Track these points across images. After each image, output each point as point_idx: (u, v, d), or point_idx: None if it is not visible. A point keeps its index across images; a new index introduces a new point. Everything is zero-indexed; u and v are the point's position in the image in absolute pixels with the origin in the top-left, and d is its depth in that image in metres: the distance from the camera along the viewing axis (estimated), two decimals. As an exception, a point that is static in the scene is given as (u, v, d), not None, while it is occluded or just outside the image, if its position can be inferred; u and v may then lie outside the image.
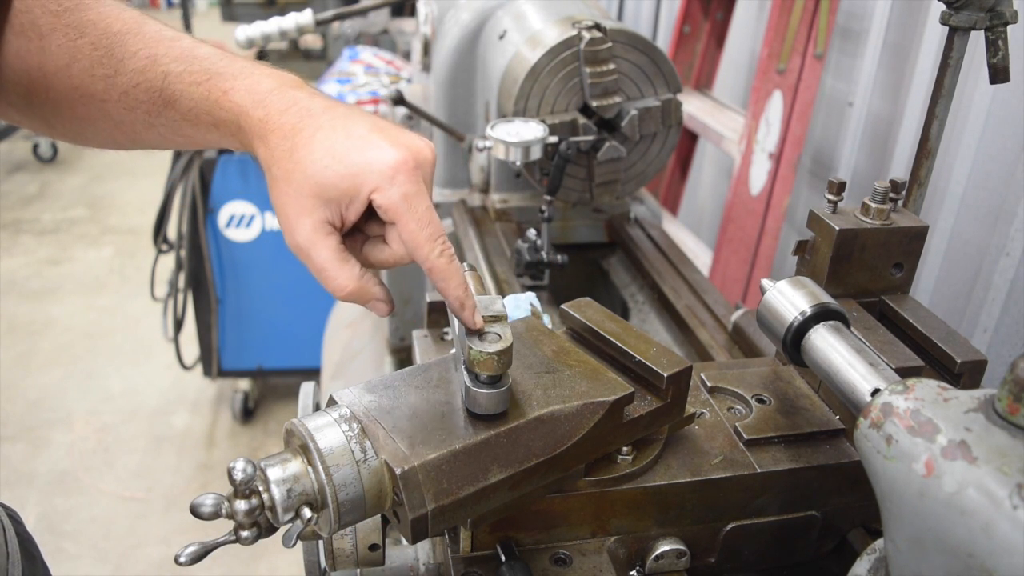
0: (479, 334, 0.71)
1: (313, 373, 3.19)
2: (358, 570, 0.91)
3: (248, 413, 3.69)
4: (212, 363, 3.52)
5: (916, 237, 0.96)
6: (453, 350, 0.79)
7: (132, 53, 0.80)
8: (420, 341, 1.09)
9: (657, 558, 0.84)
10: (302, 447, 0.68)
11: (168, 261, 3.43)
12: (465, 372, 0.72)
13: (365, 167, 0.71)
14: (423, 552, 0.97)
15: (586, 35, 1.47)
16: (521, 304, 1.07)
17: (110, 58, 0.80)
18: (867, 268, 0.96)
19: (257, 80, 0.77)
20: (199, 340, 3.52)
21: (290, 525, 0.66)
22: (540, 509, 0.79)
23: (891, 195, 0.95)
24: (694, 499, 0.83)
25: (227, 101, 0.77)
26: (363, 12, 2.33)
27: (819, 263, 0.97)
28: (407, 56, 4.58)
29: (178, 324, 3.45)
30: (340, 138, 0.72)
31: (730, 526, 0.85)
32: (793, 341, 0.81)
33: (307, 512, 0.65)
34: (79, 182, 6.30)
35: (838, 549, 0.91)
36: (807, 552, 0.90)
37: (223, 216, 3.31)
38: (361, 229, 0.78)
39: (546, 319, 1.06)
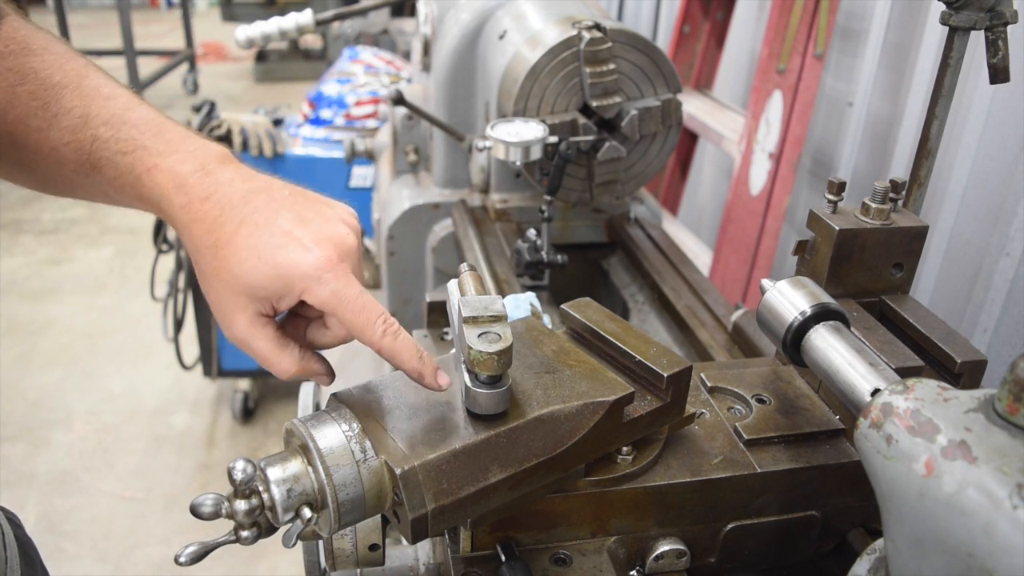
0: (480, 334, 0.71)
1: (313, 373, 3.18)
2: (358, 570, 0.91)
3: (248, 413, 3.69)
4: (212, 363, 3.52)
5: (916, 237, 0.96)
6: (453, 350, 0.79)
7: (67, 110, 0.78)
8: (420, 341, 1.09)
9: (657, 558, 0.84)
10: (302, 447, 0.68)
11: (168, 261, 3.43)
12: (465, 372, 0.72)
13: (291, 269, 0.71)
14: (423, 552, 0.97)
15: (586, 35, 1.47)
16: (521, 304, 1.07)
17: (45, 111, 0.78)
18: (867, 268, 0.96)
19: (180, 159, 0.76)
20: (199, 340, 3.52)
21: (290, 525, 0.66)
22: (540, 509, 0.79)
23: (891, 195, 0.96)
24: (694, 499, 0.83)
25: (150, 180, 0.76)
26: (363, 12, 2.33)
27: (819, 263, 0.97)
28: (407, 56, 4.58)
29: (178, 324, 3.45)
30: (264, 236, 0.72)
31: (730, 526, 0.85)
32: (793, 341, 0.81)
33: (307, 512, 0.65)
34: (79, 182, 6.29)
35: (838, 549, 0.91)
36: (807, 552, 0.90)
37: (223, 216, 3.30)
38: (300, 313, 0.79)
39: (546, 319, 1.06)
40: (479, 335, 0.70)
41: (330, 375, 0.78)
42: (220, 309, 0.74)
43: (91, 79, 0.81)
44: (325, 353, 0.81)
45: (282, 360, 0.74)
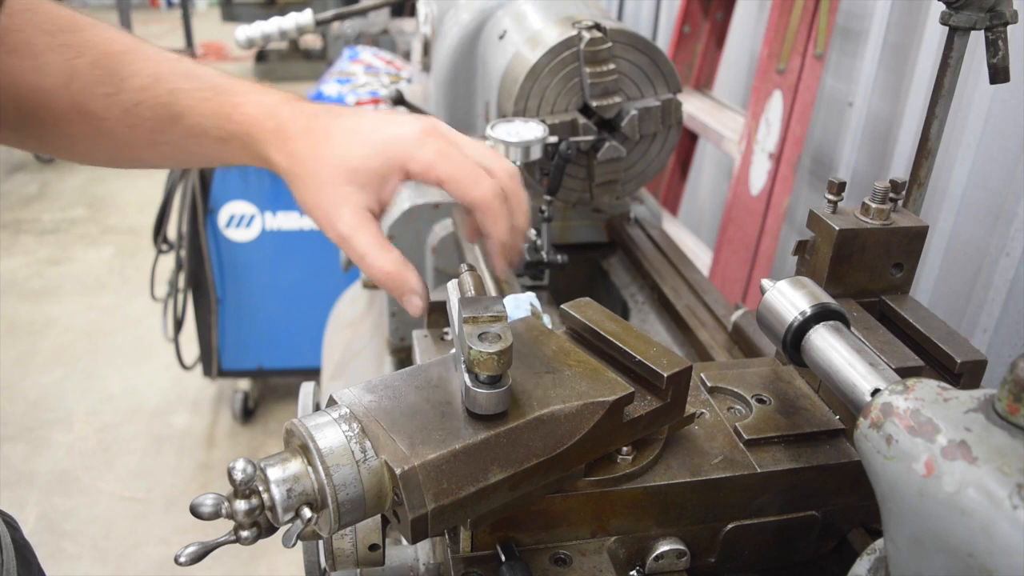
0: (480, 334, 0.71)
1: (313, 373, 3.19)
2: (358, 570, 0.91)
3: (248, 413, 3.69)
4: (212, 363, 3.52)
5: (916, 237, 0.96)
6: (453, 350, 0.79)
7: (134, 72, 0.81)
8: (420, 341, 1.09)
9: (657, 558, 0.84)
10: (302, 447, 0.68)
11: (168, 261, 3.43)
12: (465, 372, 0.72)
13: (391, 141, 0.72)
14: (423, 552, 0.97)
15: (586, 35, 1.47)
16: (521, 304, 1.07)
17: (112, 76, 0.81)
18: (867, 268, 0.96)
19: (263, 94, 0.80)
20: (199, 340, 3.52)
21: (290, 525, 0.66)
22: (540, 509, 0.79)
23: (891, 195, 0.95)
24: (694, 499, 0.83)
25: (238, 114, 0.79)
26: (363, 12, 2.33)
27: (819, 263, 0.97)
28: (407, 56, 4.58)
29: (178, 324, 3.46)
30: (355, 124, 0.74)
31: (730, 526, 0.85)
32: (793, 341, 0.81)
33: (307, 512, 0.65)
34: (79, 182, 6.30)
35: (838, 549, 0.91)
36: (807, 552, 0.90)
37: (223, 216, 3.31)
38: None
39: (546, 319, 1.06)
40: (479, 335, 0.70)
41: (424, 300, 0.76)
42: (322, 207, 0.73)
43: (148, 46, 0.84)
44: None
45: (382, 257, 0.73)
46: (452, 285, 0.78)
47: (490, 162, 0.75)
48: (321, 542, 0.88)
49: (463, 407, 0.73)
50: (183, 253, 3.31)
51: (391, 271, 0.73)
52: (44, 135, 0.87)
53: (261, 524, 0.66)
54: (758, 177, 2.29)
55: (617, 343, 0.83)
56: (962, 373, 0.87)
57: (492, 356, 0.69)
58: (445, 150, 0.73)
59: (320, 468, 0.66)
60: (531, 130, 1.43)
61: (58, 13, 0.83)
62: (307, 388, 0.96)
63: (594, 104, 1.50)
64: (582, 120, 1.51)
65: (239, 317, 3.50)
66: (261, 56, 9.35)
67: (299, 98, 0.81)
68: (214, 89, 0.81)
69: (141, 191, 5.92)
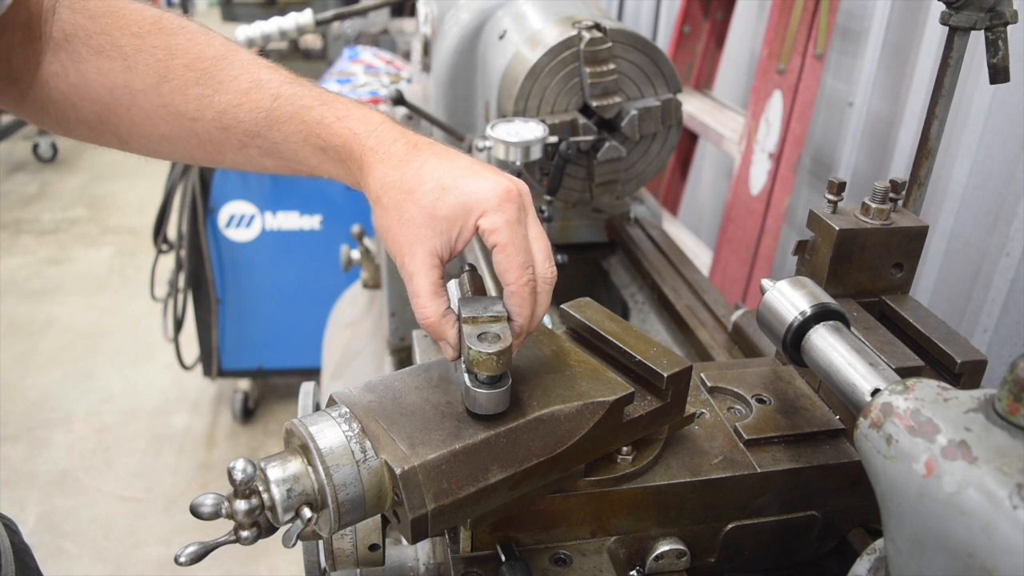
0: (479, 334, 0.71)
1: (313, 373, 3.19)
2: (358, 570, 0.91)
3: (248, 413, 3.69)
4: (212, 363, 3.52)
5: (916, 237, 0.96)
6: None
7: (234, 76, 0.84)
8: (420, 341, 1.09)
9: (657, 558, 0.84)
10: (302, 447, 0.68)
11: (168, 261, 3.43)
12: (465, 372, 0.72)
13: (474, 194, 0.74)
14: (423, 552, 0.97)
15: (586, 35, 1.47)
16: (521, 304, 1.07)
17: (208, 79, 0.83)
18: (867, 268, 0.96)
19: (367, 112, 0.82)
20: (199, 340, 3.52)
21: (290, 525, 0.66)
22: (540, 509, 0.79)
23: (891, 195, 0.95)
24: (694, 499, 0.83)
25: (340, 127, 0.80)
26: (363, 12, 2.33)
27: (819, 263, 0.97)
28: (407, 56, 4.58)
29: (178, 324, 3.45)
30: (447, 168, 0.76)
31: (730, 526, 0.85)
32: (793, 341, 0.81)
33: (307, 512, 0.65)
34: (79, 182, 6.30)
35: (838, 549, 0.91)
36: (807, 552, 0.90)
37: (223, 216, 3.31)
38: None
39: (546, 319, 1.06)
40: (479, 335, 0.70)
41: (456, 348, 0.78)
42: (399, 242, 0.76)
43: (243, 51, 0.86)
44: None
45: (430, 304, 0.75)
46: (453, 285, 0.78)
47: (541, 257, 0.77)
48: (321, 542, 0.88)
49: (464, 407, 0.73)
50: (183, 253, 3.31)
51: (432, 319, 0.76)
52: (127, 135, 0.89)
53: (261, 524, 0.66)
54: (758, 177, 2.29)
55: (617, 343, 0.83)
56: (962, 373, 0.87)
57: (491, 356, 0.69)
58: (515, 224, 0.75)
59: (320, 468, 0.66)
60: (531, 130, 1.43)
61: (144, 15, 0.85)
62: (307, 388, 0.96)
63: (594, 104, 1.50)
64: (582, 120, 1.51)
65: (239, 317, 3.50)
66: (261, 56, 9.34)
67: (397, 123, 0.83)
68: (319, 99, 0.83)
69: (141, 191, 5.92)
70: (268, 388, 3.89)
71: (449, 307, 0.76)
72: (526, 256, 0.75)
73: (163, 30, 0.85)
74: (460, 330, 0.73)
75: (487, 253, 1.53)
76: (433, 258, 0.75)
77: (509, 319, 0.74)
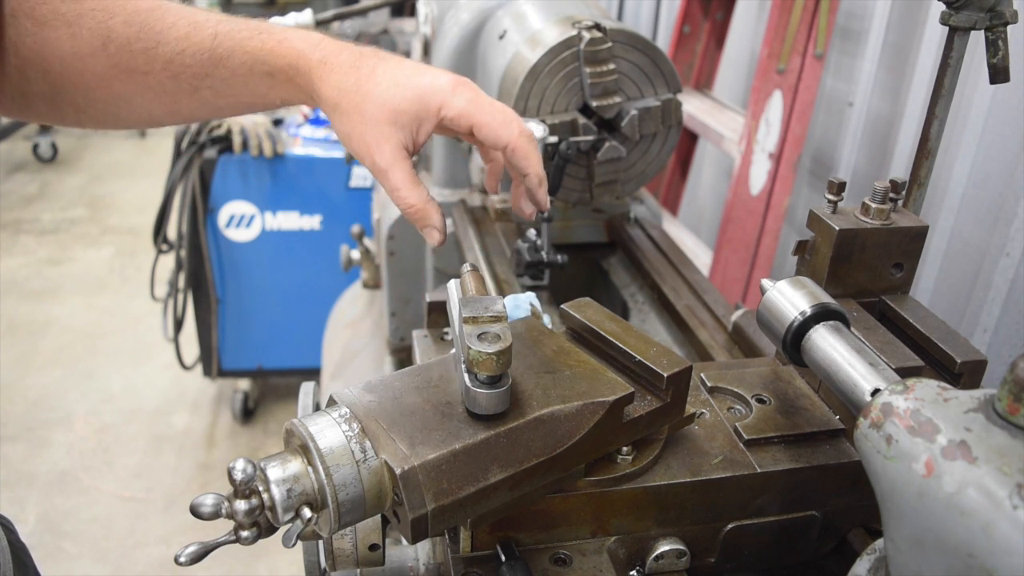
0: (479, 334, 0.71)
1: (313, 373, 3.19)
2: (358, 570, 0.91)
3: (248, 413, 3.69)
4: (212, 363, 3.52)
5: (916, 237, 0.96)
6: (453, 350, 0.79)
7: (171, 24, 0.85)
8: (420, 341, 1.09)
9: (657, 558, 0.84)
10: (302, 447, 0.68)
11: (168, 261, 3.43)
12: (465, 372, 0.72)
13: (428, 88, 0.79)
14: (423, 552, 0.97)
15: (586, 35, 1.47)
16: (521, 304, 1.07)
17: (148, 31, 0.85)
18: (867, 268, 0.96)
19: (306, 32, 0.85)
20: (199, 340, 3.52)
21: (290, 525, 0.66)
22: (540, 509, 0.79)
23: (891, 195, 0.95)
24: (694, 499, 0.83)
25: (283, 48, 0.83)
26: (363, 12, 2.33)
27: (819, 263, 0.97)
28: (407, 56, 4.58)
29: (178, 324, 3.45)
30: (400, 70, 0.80)
31: (730, 526, 0.85)
32: (793, 341, 0.81)
33: (307, 512, 0.65)
34: (79, 182, 6.30)
35: (838, 549, 0.91)
36: (807, 552, 0.90)
37: (223, 216, 3.31)
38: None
39: (546, 319, 1.06)
40: (479, 335, 0.70)
41: (442, 233, 0.83)
42: (364, 141, 0.80)
43: (171, 2, 0.88)
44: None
45: (412, 193, 0.79)
46: (453, 285, 0.78)
47: (512, 114, 0.82)
48: (321, 542, 0.88)
49: (464, 407, 0.73)
50: (183, 253, 3.31)
51: (417, 204, 0.80)
52: (83, 102, 0.90)
53: (261, 524, 0.66)
54: (758, 177, 2.29)
55: (617, 343, 0.83)
56: (962, 373, 0.87)
57: (491, 356, 0.69)
58: (476, 99, 0.80)
59: (320, 468, 0.66)
60: (531, 130, 1.43)
61: None
62: (307, 388, 0.96)
63: (594, 104, 1.50)
64: (582, 120, 1.51)
65: (239, 317, 3.50)
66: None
67: (338, 37, 0.86)
68: (256, 29, 0.85)
69: (141, 191, 5.93)
70: (268, 388, 3.89)
71: (428, 193, 0.80)
72: (503, 115, 0.80)
73: None
74: (460, 330, 0.73)
75: (487, 253, 1.53)
76: (401, 151, 0.79)
77: (524, 176, 0.81)
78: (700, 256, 2.49)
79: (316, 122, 3.56)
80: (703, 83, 2.84)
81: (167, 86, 0.87)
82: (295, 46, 0.83)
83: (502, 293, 1.35)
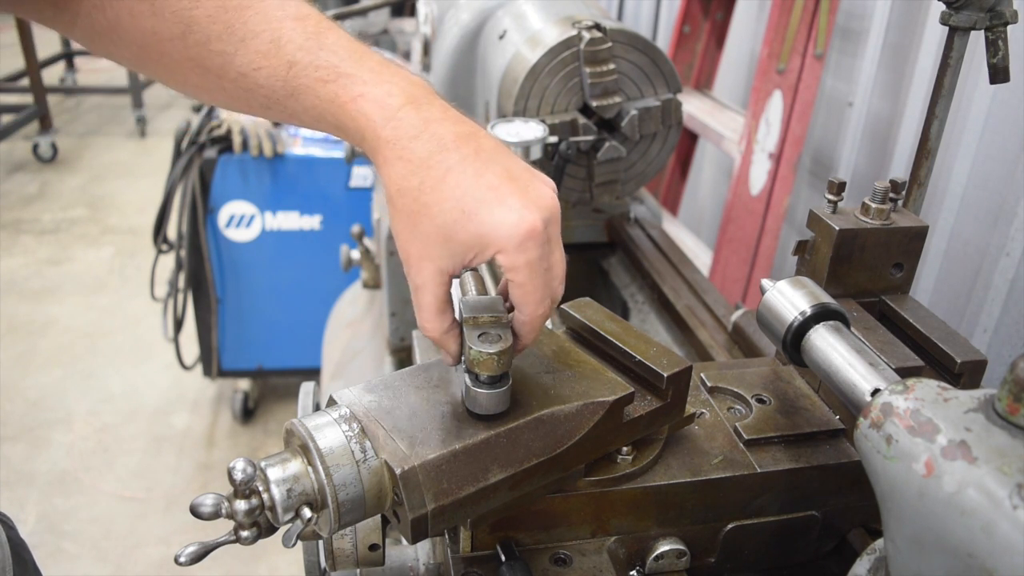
0: (480, 334, 0.71)
1: (313, 373, 3.19)
2: (358, 570, 0.91)
3: (248, 413, 3.69)
4: (212, 363, 3.52)
5: (916, 237, 0.96)
6: None
7: (255, 33, 0.76)
8: (420, 341, 1.09)
9: (657, 558, 0.84)
10: (302, 447, 0.68)
11: (168, 261, 3.43)
12: (465, 372, 0.72)
13: (494, 228, 0.69)
14: (423, 552, 0.97)
15: (586, 35, 1.47)
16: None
17: (229, 35, 0.76)
18: (867, 268, 0.96)
19: (388, 91, 0.73)
20: (199, 340, 3.52)
21: (290, 525, 0.66)
22: (540, 509, 0.79)
23: (891, 195, 0.95)
24: (694, 499, 0.83)
25: (355, 109, 0.73)
26: (363, 12, 2.33)
27: (819, 263, 0.97)
28: (407, 56, 4.57)
29: (178, 324, 3.45)
30: (471, 186, 0.70)
31: (730, 526, 0.85)
32: (793, 341, 0.81)
33: (307, 512, 0.65)
34: (79, 182, 6.30)
35: (838, 549, 0.91)
36: (807, 552, 0.90)
37: (223, 216, 3.31)
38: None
39: (546, 319, 1.06)
40: (479, 335, 0.70)
41: (456, 358, 0.77)
42: (410, 252, 0.72)
43: None
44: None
45: (433, 320, 0.73)
46: (453, 285, 0.78)
47: (556, 283, 0.74)
48: (321, 542, 0.88)
49: (464, 407, 0.73)
50: (183, 253, 3.31)
51: (434, 335, 0.74)
52: (164, 78, 0.85)
53: (261, 524, 0.66)
54: (758, 177, 2.29)
55: (617, 343, 0.83)
56: (962, 373, 0.87)
57: (492, 356, 0.69)
58: (535, 264, 0.70)
59: (320, 468, 0.66)
60: (531, 130, 1.43)
61: None
62: (307, 388, 0.96)
63: (594, 104, 1.50)
64: (582, 120, 1.51)
65: (239, 317, 3.50)
66: None
67: (428, 97, 0.75)
68: (335, 70, 0.74)
69: (141, 191, 5.92)
70: (268, 388, 3.89)
71: (454, 320, 0.74)
72: (544, 291, 0.72)
73: None
74: (461, 332, 0.73)
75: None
76: (442, 276, 0.72)
77: (514, 334, 0.73)
78: (700, 256, 2.49)
79: (316, 122, 3.55)
80: (703, 83, 2.84)
81: (240, 96, 0.80)
82: (366, 112, 0.72)
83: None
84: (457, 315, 0.74)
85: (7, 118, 6.09)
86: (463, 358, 0.72)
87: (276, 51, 0.75)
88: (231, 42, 0.76)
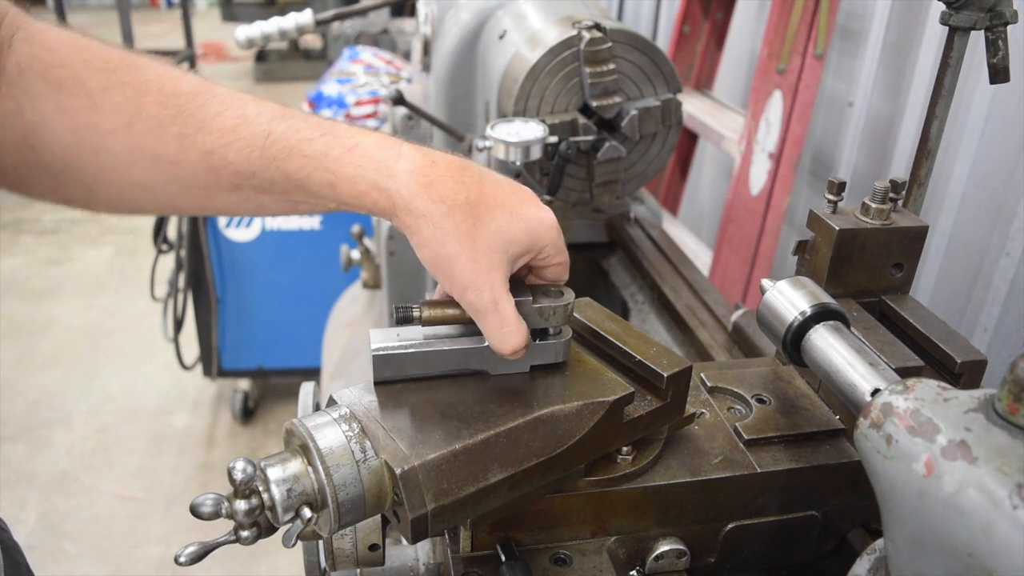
0: (543, 292, 0.76)
1: (313, 373, 3.19)
2: (358, 570, 0.91)
3: (248, 413, 3.69)
4: (212, 363, 3.52)
5: (916, 237, 0.96)
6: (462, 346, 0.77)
7: (216, 112, 0.75)
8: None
9: (657, 558, 0.84)
10: (302, 447, 0.68)
11: (168, 261, 3.43)
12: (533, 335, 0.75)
13: (539, 223, 0.74)
14: (423, 552, 0.97)
15: (586, 35, 1.47)
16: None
17: (185, 117, 0.75)
18: (867, 268, 0.96)
19: (378, 138, 0.74)
20: (199, 340, 3.52)
21: (290, 525, 0.66)
22: (540, 509, 0.79)
23: (891, 195, 0.95)
24: (694, 499, 0.83)
25: (358, 155, 0.72)
26: (363, 12, 2.33)
27: (819, 263, 0.97)
28: (407, 56, 4.58)
29: (178, 324, 3.46)
30: (506, 194, 0.74)
31: (730, 526, 0.85)
32: (793, 341, 0.81)
33: (307, 512, 0.65)
34: (79, 182, 6.30)
35: (838, 549, 0.91)
36: (807, 552, 0.90)
37: (223, 216, 3.31)
38: None
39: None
40: (542, 292, 0.77)
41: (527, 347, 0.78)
42: (477, 268, 0.71)
43: (220, 87, 0.78)
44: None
45: (521, 329, 0.73)
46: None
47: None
48: (321, 542, 0.88)
49: (463, 407, 0.73)
50: (183, 253, 3.31)
51: (524, 344, 0.73)
52: (94, 183, 0.79)
53: (261, 524, 0.66)
54: (758, 177, 2.29)
55: (617, 343, 0.83)
56: (962, 373, 0.87)
57: (564, 306, 0.75)
58: (563, 246, 0.77)
59: (320, 468, 0.66)
60: (531, 130, 1.43)
61: (109, 51, 0.77)
62: (307, 388, 0.96)
63: (594, 104, 1.50)
64: (582, 120, 1.51)
65: (239, 317, 3.50)
66: (261, 56, 9.35)
67: (417, 148, 0.74)
68: (319, 129, 0.74)
69: (141, 191, 5.92)
70: (268, 388, 3.89)
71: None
72: (567, 264, 0.79)
73: (131, 65, 0.76)
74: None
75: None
76: (508, 282, 0.72)
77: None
78: (700, 256, 2.49)
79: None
80: (703, 83, 2.84)
81: (201, 179, 0.77)
82: (371, 155, 0.71)
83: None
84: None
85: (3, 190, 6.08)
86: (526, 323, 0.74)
87: (246, 125, 0.74)
88: (190, 123, 0.75)
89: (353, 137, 0.73)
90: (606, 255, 1.76)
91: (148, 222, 3.47)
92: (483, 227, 0.70)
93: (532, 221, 0.73)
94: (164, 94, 0.75)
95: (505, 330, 0.71)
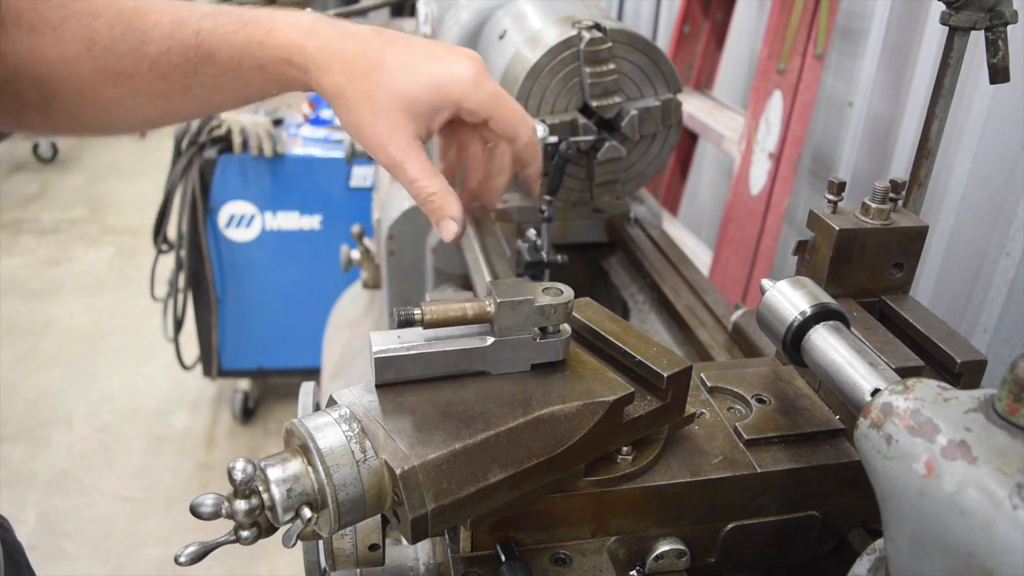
0: (543, 290, 0.76)
1: (313, 373, 3.19)
2: (358, 570, 0.91)
3: (248, 413, 3.69)
4: (212, 363, 3.52)
5: (916, 237, 0.96)
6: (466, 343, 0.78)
7: (155, 22, 0.81)
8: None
9: (657, 558, 0.84)
10: (302, 447, 0.68)
11: (168, 261, 3.43)
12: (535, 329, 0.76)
13: (447, 78, 0.75)
14: (423, 552, 0.97)
15: (586, 35, 1.47)
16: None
17: (132, 32, 0.82)
18: (867, 268, 0.96)
19: (294, 18, 0.80)
20: (199, 340, 3.52)
21: (290, 525, 0.66)
22: (540, 509, 0.79)
23: (891, 195, 0.95)
24: (694, 499, 0.83)
25: (273, 40, 0.78)
26: (363, 12, 2.33)
27: (819, 263, 0.97)
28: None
29: (178, 324, 3.46)
30: (412, 54, 0.76)
31: (730, 526, 0.85)
32: (793, 341, 0.81)
33: (307, 512, 0.65)
34: (79, 182, 6.30)
35: (838, 549, 0.91)
36: (807, 552, 0.90)
37: (223, 216, 3.31)
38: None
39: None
40: (543, 291, 0.75)
41: (462, 223, 0.79)
42: (376, 131, 0.75)
43: None
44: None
45: (435, 181, 0.75)
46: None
47: (521, 108, 0.80)
48: (321, 542, 0.88)
49: (463, 407, 0.73)
50: (183, 253, 3.31)
51: (439, 192, 0.76)
52: (75, 108, 0.87)
53: (261, 524, 0.66)
54: (758, 177, 2.29)
55: (617, 343, 0.83)
56: (962, 373, 0.87)
57: (565, 304, 0.74)
58: (497, 92, 0.77)
59: (320, 468, 0.66)
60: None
61: None
62: (307, 388, 0.96)
63: (594, 104, 1.50)
64: (582, 120, 1.51)
65: (239, 317, 3.50)
66: None
67: (327, 15, 0.81)
68: (240, 20, 0.80)
69: (141, 191, 5.92)
70: (268, 388, 3.89)
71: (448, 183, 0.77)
72: (520, 111, 0.78)
73: None
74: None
75: (487, 253, 1.53)
76: (418, 142, 0.75)
77: (526, 167, 0.81)
78: (700, 256, 2.49)
79: (316, 122, 3.56)
80: (703, 83, 2.84)
81: (157, 87, 0.84)
82: (286, 36, 0.78)
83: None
84: (493, 304, 0.74)
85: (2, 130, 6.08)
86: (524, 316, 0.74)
87: (180, 29, 0.81)
88: (135, 36, 0.82)
89: (271, 20, 0.80)
90: (606, 255, 1.76)
91: (148, 222, 3.46)
92: (382, 89, 0.74)
93: (437, 76, 0.74)
94: (112, 13, 0.82)
95: (415, 185, 0.75)
